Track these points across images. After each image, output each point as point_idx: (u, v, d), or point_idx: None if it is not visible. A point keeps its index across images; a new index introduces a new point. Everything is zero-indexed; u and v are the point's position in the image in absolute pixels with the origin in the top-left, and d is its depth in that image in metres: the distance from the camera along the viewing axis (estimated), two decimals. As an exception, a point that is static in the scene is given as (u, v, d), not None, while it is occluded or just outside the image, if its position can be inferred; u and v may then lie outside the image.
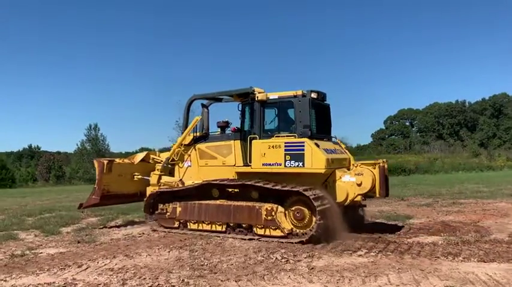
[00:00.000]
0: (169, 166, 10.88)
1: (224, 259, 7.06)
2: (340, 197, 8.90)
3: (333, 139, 10.22)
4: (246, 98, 9.87)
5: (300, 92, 9.19)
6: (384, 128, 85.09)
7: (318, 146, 8.78)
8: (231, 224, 9.22)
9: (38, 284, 5.83)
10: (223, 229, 9.31)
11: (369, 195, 9.01)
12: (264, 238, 8.66)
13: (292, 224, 8.58)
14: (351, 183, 8.85)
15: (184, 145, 10.65)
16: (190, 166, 10.59)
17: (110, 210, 13.30)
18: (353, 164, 9.42)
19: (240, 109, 10.11)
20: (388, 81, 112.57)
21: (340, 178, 8.98)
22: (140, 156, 11.58)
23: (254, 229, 8.92)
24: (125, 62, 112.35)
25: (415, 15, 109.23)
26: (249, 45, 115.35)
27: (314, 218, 8.27)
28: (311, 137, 8.91)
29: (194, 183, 10.05)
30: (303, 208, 8.44)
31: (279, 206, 8.70)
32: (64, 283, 5.83)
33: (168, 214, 10.05)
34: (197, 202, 9.65)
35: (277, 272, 6.17)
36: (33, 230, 10.58)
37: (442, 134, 76.74)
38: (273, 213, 8.66)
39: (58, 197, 23.55)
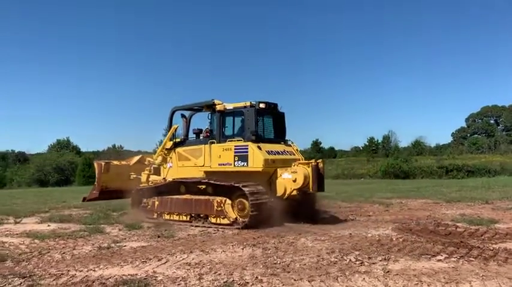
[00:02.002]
0: (159, 166, 12.64)
1: (297, 258, 7.07)
2: (279, 192, 10.56)
3: (288, 142, 11.81)
4: (210, 108, 11.56)
5: (248, 103, 10.92)
6: (466, 126, 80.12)
7: (259, 148, 10.41)
8: (193, 215, 10.96)
9: (123, 275, 6.19)
10: (188, 219, 11.05)
11: (304, 189, 10.37)
12: (215, 226, 10.43)
13: (237, 213, 10.31)
14: (288, 179, 10.41)
15: (167, 149, 12.46)
16: (171, 167, 12.33)
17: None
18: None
19: (208, 118, 11.83)
20: (470, 77, 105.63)
21: (281, 175, 10.56)
22: (135, 158, 13.63)
23: (209, 218, 10.69)
24: (186, 69, 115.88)
25: (494, 12, 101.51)
26: (271, 52, 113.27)
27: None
28: (257, 141, 10.56)
29: (164, 181, 12.10)
30: (243, 200, 10.11)
31: (227, 199, 10.44)
32: (145, 276, 6.14)
33: (149, 207, 11.94)
34: (169, 196, 11.52)
35: (351, 274, 6.06)
36: (118, 225, 11.29)
37: (532, 133, 70.73)
38: (222, 205, 10.45)
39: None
